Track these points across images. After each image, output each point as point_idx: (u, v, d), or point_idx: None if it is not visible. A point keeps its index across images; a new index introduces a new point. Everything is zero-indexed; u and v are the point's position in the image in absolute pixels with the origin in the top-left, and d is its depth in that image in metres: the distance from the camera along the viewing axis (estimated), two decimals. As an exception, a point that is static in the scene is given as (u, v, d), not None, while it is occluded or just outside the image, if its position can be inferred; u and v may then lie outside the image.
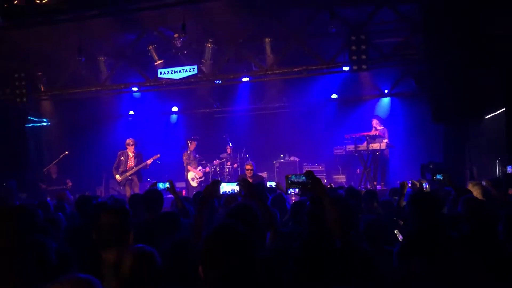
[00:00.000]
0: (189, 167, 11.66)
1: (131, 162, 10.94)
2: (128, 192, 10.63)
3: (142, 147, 13.54)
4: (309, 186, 2.57)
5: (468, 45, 8.17)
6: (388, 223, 4.70)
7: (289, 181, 2.61)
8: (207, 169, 11.88)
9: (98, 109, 13.52)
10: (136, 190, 10.65)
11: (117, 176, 10.93)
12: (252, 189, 2.92)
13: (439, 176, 5.41)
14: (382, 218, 4.59)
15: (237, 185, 2.98)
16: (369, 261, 2.17)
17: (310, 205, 3.01)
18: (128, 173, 10.87)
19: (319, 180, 2.65)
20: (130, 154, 11.02)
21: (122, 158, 11.04)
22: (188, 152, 11.73)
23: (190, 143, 11.75)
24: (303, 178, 2.58)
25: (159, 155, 11.02)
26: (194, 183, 11.69)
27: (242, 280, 1.78)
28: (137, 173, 10.95)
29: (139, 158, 10.98)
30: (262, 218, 2.82)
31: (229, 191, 3.06)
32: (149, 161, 10.89)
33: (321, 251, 1.88)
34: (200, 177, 11.65)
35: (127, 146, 11.08)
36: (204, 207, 2.98)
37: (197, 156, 11.90)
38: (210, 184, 3.08)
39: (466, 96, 8.29)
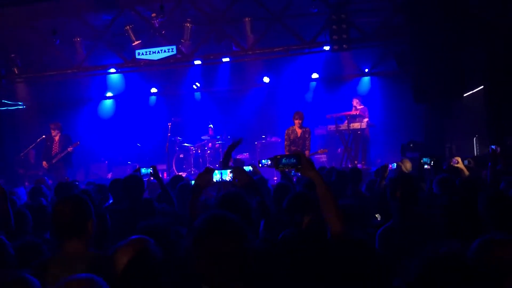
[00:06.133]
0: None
1: (55, 147, 10.35)
2: (56, 179, 9.94)
3: (122, 130, 13.40)
4: (299, 167, 2.50)
5: (448, 25, 8.19)
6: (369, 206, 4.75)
7: (280, 165, 2.54)
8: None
9: (75, 91, 13.26)
10: (64, 176, 10.03)
11: (44, 163, 10.41)
12: (246, 176, 2.88)
13: (425, 159, 5.47)
14: (362, 202, 4.63)
15: (230, 172, 2.91)
16: (369, 252, 2.11)
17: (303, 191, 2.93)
18: (53, 160, 10.28)
19: (310, 162, 2.56)
20: (55, 139, 10.42)
21: (48, 143, 10.46)
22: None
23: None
24: (293, 160, 2.52)
25: (78, 142, 10.39)
26: None
27: (235, 271, 1.74)
28: (63, 159, 10.29)
29: (64, 143, 10.34)
30: (256, 206, 2.78)
31: (219, 179, 2.97)
32: (70, 148, 10.23)
33: (318, 244, 1.82)
34: None
35: (51, 131, 10.47)
36: (197, 196, 2.94)
37: None
38: (203, 172, 3.02)
39: (447, 75, 8.35)
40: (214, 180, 2.93)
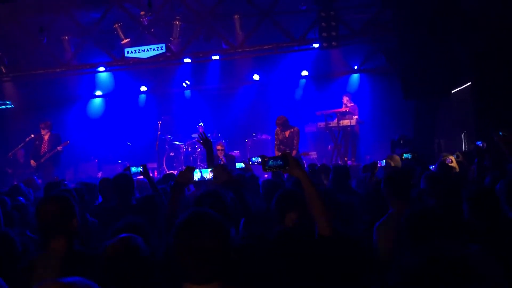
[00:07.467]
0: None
1: (44, 146, 10.28)
2: (45, 178, 9.82)
3: (112, 129, 13.32)
4: (286, 168, 2.52)
5: (436, 21, 8.24)
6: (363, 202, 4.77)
7: (266, 167, 2.57)
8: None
9: (64, 90, 13.12)
10: (53, 175, 9.94)
11: (32, 162, 10.32)
12: (225, 174, 2.88)
13: (406, 155, 5.52)
14: (355, 199, 4.65)
15: (210, 171, 2.91)
16: (361, 250, 2.11)
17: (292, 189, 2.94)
18: (42, 159, 10.20)
19: (297, 161, 2.58)
20: (45, 138, 10.35)
21: (37, 142, 10.37)
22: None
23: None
24: (280, 162, 2.54)
25: (68, 142, 10.37)
26: None
27: (215, 267, 1.75)
28: (51, 158, 10.24)
29: (54, 142, 10.28)
30: (237, 204, 2.78)
31: (200, 178, 2.97)
32: (59, 148, 10.19)
33: (304, 242, 1.82)
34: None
35: (41, 130, 10.41)
36: (177, 193, 2.94)
37: None
38: (184, 170, 3.02)
39: (435, 71, 8.41)
40: (195, 178, 2.93)
